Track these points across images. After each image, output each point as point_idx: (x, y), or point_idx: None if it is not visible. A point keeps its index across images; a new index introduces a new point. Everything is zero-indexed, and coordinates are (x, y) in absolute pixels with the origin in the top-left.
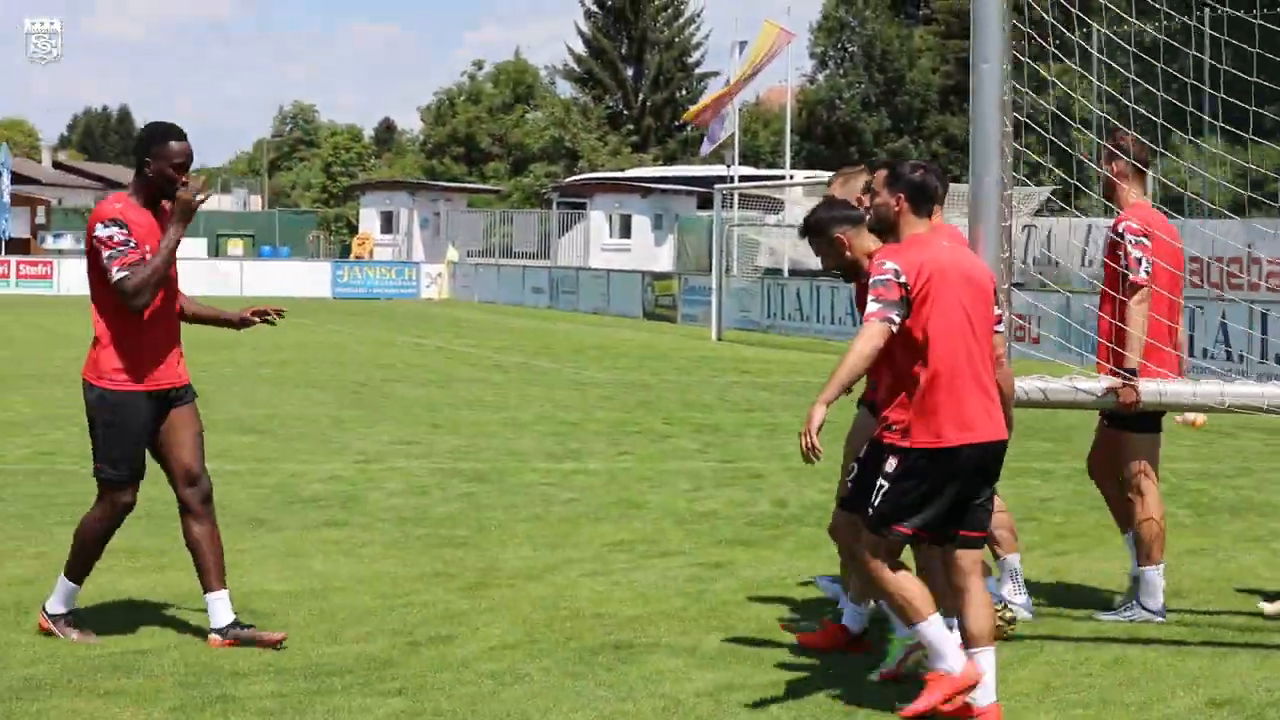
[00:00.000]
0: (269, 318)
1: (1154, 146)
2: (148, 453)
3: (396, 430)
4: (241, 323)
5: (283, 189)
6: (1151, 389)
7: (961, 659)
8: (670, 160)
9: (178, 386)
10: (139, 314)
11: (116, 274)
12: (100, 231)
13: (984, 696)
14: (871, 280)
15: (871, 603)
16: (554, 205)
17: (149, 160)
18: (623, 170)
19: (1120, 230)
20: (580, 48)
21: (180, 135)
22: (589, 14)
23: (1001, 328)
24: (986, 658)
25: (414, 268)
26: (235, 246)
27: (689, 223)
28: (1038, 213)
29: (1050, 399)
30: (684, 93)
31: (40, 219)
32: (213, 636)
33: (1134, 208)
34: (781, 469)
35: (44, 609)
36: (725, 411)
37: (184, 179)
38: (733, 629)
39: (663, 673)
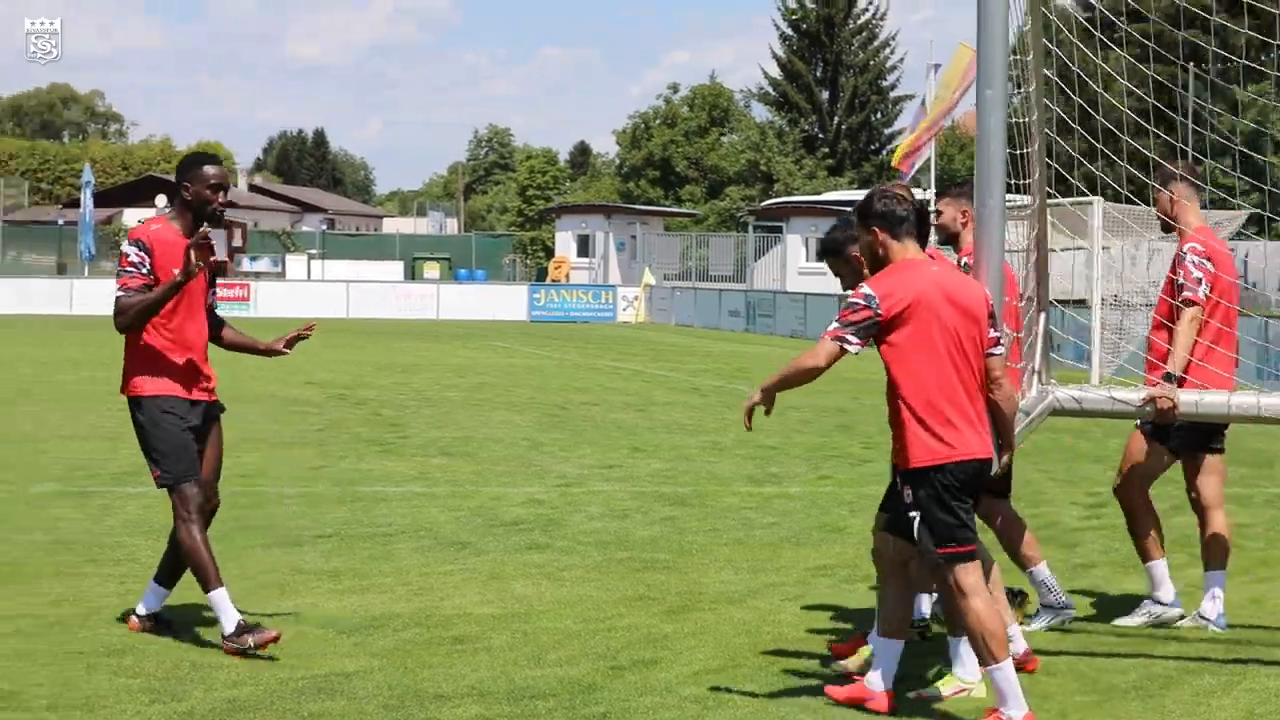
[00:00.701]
0: (302, 337)
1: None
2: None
3: (596, 454)
4: (269, 351)
5: (478, 212)
6: (1189, 399)
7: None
8: (865, 184)
9: (213, 402)
10: (122, 331)
11: (116, 290)
12: (123, 247)
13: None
14: (847, 300)
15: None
16: (750, 228)
17: (187, 185)
18: (818, 194)
19: (1184, 250)
20: (775, 71)
21: (215, 160)
22: (784, 37)
23: (1000, 349)
24: (1004, 673)
25: (610, 291)
26: (431, 270)
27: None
28: (1235, 236)
29: (1085, 408)
30: (879, 116)
31: (237, 242)
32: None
33: (1199, 230)
34: None
35: (222, 635)
36: None
37: (219, 200)
38: (937, 652)
39: None
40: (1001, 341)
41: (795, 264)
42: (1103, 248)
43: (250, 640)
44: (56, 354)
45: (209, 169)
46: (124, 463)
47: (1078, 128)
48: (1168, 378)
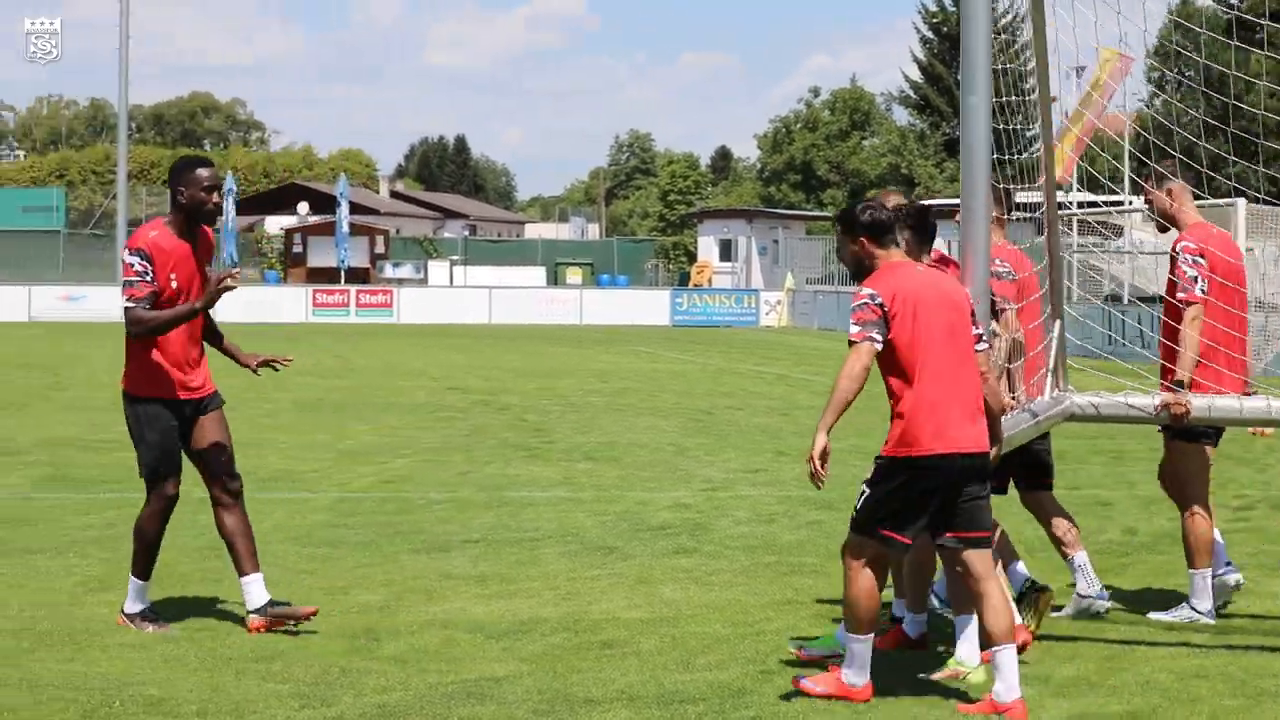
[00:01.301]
0: (275, 365)
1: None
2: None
3: (741, 458)
4: (243, 362)
5: (620, 217)
6: (1201, 404)
7: (864, 678)
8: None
9: (202, 397)
10: (135, 340)
11: (124, 301)
12: (126, 258)
13: (1008, 693)
14: (852, 305)
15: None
16: None
17: (182, 189)
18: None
19: (1177, 249)
20: (916, 74)
21: (208, 163)
22: (924, 41)
23: (984, 346)
24: (1007, 655)
25: (753, 295)
26: (574, 275)
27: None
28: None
29: (1102, 414)
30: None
31: (379, 248)
32: (251, 618)
33: (1191, 228)
34: (1129, 496)
35: (122, 610)
36: (1068, 439)
37: (214, 200)
38: (1082, 656)
39: None
40: (985, 339)
41: None
42: (1246, 249)
43: (150, 628)
44: None
45: (201, 171)
46: (270, 469)
47: (1227, 128)
48: (1178, 384)
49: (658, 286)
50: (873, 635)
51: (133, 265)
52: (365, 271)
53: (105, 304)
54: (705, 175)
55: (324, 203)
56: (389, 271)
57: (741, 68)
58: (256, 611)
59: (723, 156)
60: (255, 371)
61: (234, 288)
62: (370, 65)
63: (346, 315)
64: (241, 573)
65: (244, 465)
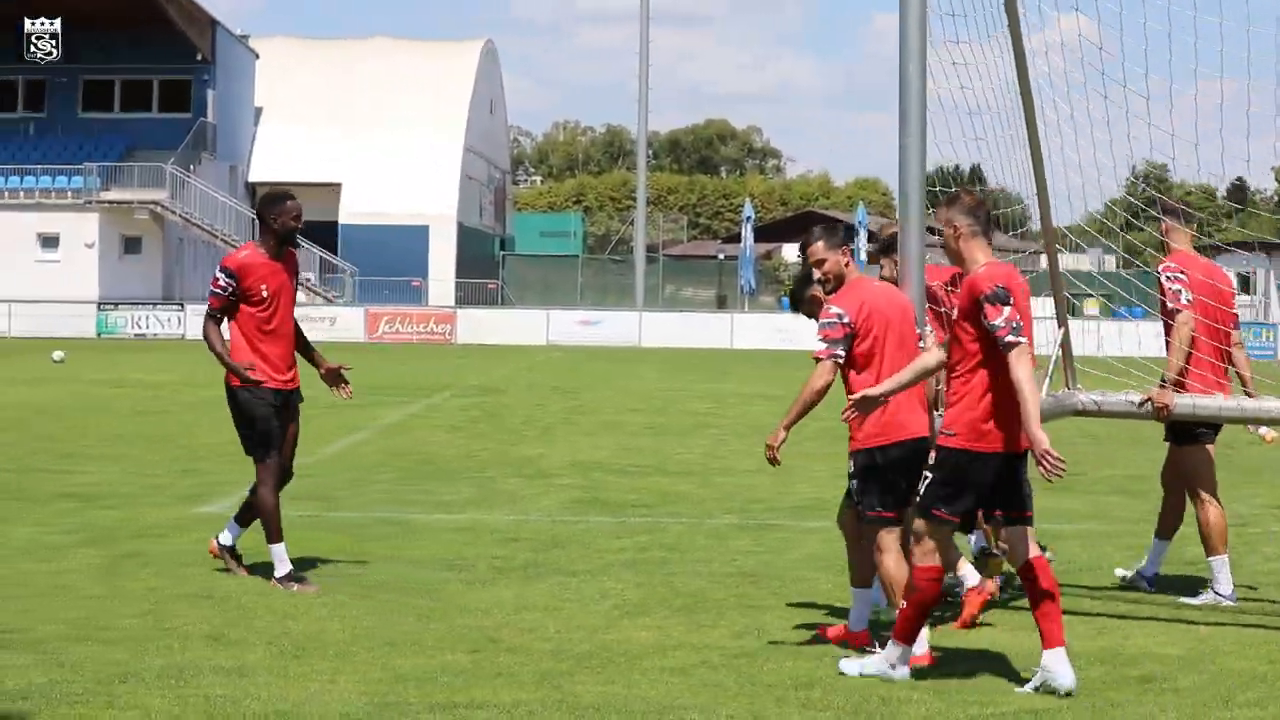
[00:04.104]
0: (337, 387)
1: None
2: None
3: (1271, 493)
4: (320, 368)
5: (1135, 248)
6: (1185, 402)
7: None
8: None
9: (292, 390)
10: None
11: (208, 305)
12: (216, 272)
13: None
14: (820, 322)
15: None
16: None
17: (274, 216)
18: None
19: (1159, 271)
20: None
21: (292, 196)
22: None
23: (923, 345)
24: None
25: (1271, 330)
26: (1090, 307)
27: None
28: None
29: (1104, 410)
30: None
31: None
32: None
33: (1173, 254)
34: None
35: (275, 576)
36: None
37: (298, 225)
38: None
39: None
40: (923, 339)
41: None
42: None
43: (295, 587)
44: (723, 388)
45: (289, 204)
46: (800, 497)
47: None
48: (1161, 380)
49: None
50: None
51: (218, 279)
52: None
53: (623, 328)
54: (1222, 207)
55: None
56: None
57: (1265, 95)
58: (279, 578)
59: (1238, 189)
60: (323, 379)
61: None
62: (882, 93)
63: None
64: (236, 525)
65: (772, 492)
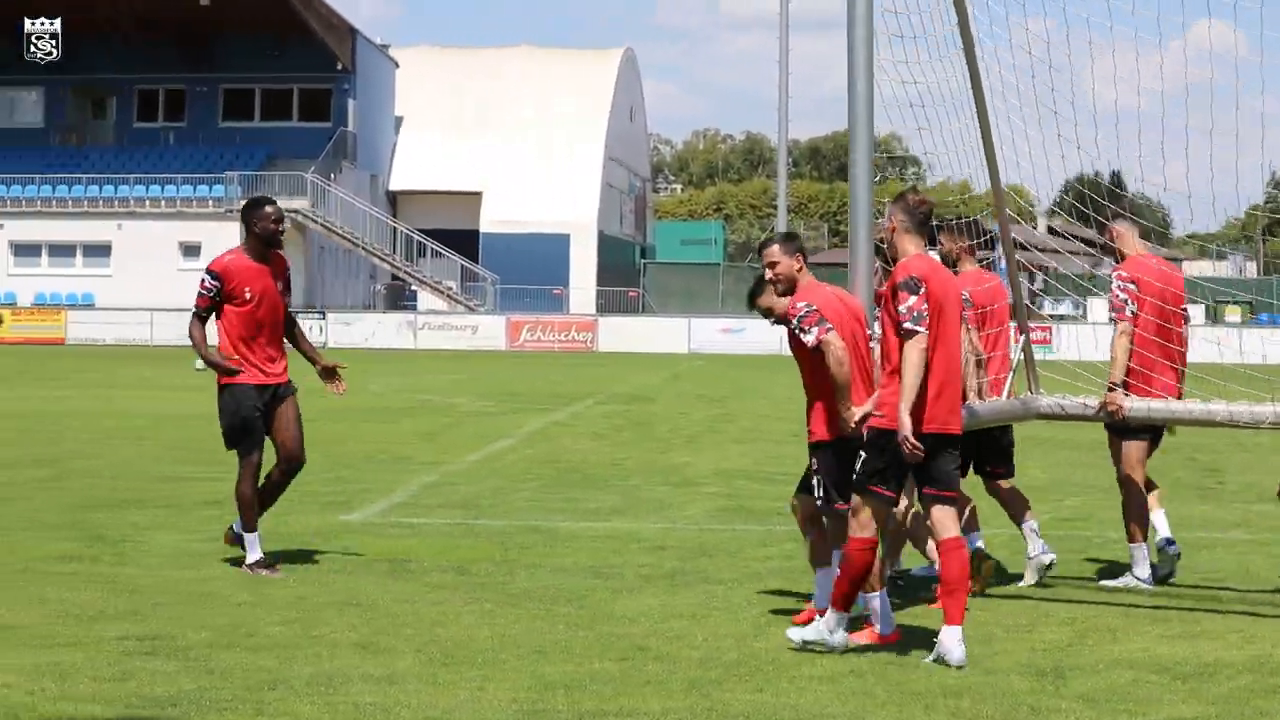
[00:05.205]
0: (331, 382)
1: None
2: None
3: None
4: (318, 365)
5: (1277, 254)
6: (1140, 405)
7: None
8: None
9: (280, 384)
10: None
11: (194, 306)
12: (202, 274)
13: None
14: (803, 313)
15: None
16: None
17: (256, 221)
18: None
19: (1111, 277)
20: None
21: (272, 201)
22: None
23: (875, 344)
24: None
25: None
26: (1232, 313)
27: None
28: None
29: (1068, 413)
30: None
31: (1038, 284)
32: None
33: (1128, 260)
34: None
35: (245, 562)
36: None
37: (280, 228)
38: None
39: None
40: (873, 338)
41: None
42: None
43: (264, 572)
44: None
45: (268, 208)
46: None
47: None
48: (1111, 387)
49: None
50: (882, 591)
51: (204, 281)
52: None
53: (764, 337)
54: None
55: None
56: (1047, 308)
57: None
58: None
59: None
60: (319, 375)
61: (238, 371)
62: (1028, 101)
63: (1047, 351)
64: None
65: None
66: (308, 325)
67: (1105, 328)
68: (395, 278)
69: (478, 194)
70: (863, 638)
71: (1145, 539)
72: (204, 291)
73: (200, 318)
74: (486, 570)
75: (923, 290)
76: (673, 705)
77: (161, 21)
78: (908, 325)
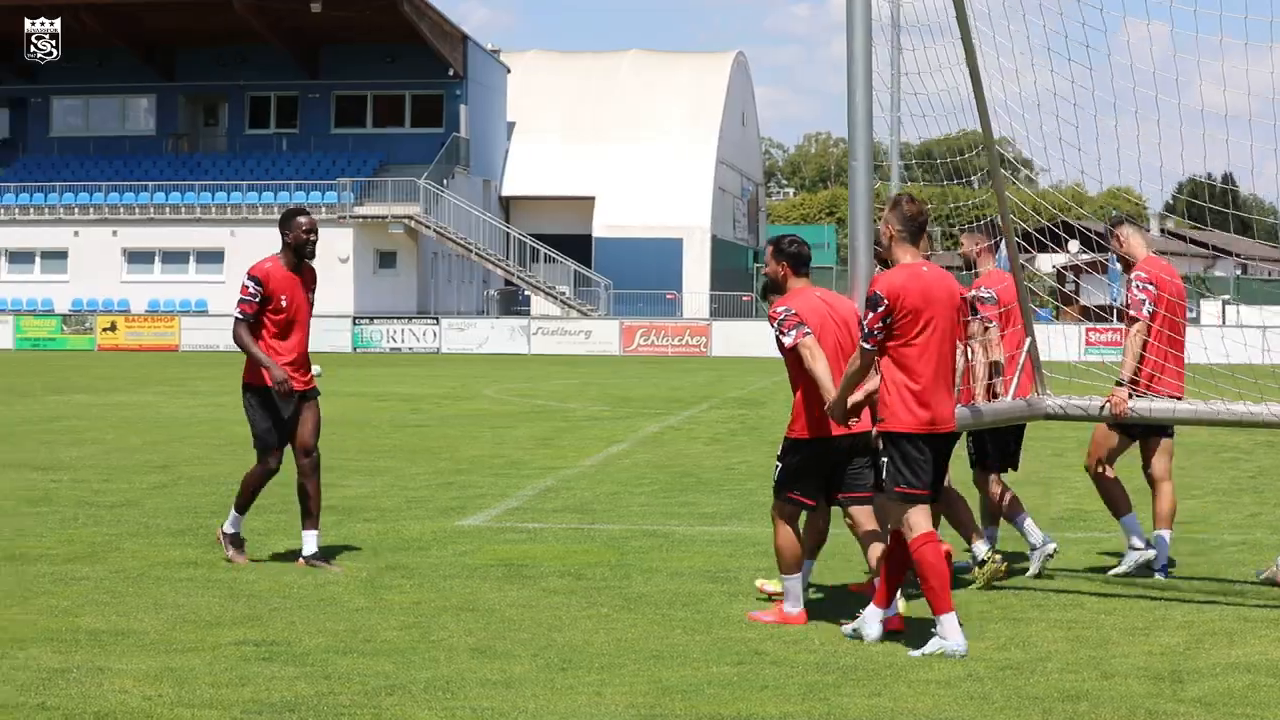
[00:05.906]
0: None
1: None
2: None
3: None
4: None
5: None
6: (1142, 405)
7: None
8: None
9: (306, 390)
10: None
11: (236, 311)
12: (244, 280)
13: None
14: (782, 317)
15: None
16: None
17: (289, 232)
18: None
19: (1131, 278)
20: None
21: (305, 212)
22: None
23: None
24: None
25: None
26: None
27: None
28: None
29: (1069, 413)
30: None
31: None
32: (300, 560)
33: (1146, 260)
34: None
35: (222, 530)
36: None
37: (312, 239)
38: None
39: None
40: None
41: None
42: None
43: (230, 550)
44: None
45: (300, 219)
46: (1059, 508)
47: None
48: (1119, 384)
49: None
50: (800, 574)
51: (247, 287)
52: (1118, 310)
53: None
54: None
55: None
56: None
57: None
58: (305, 556)
59: None
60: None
61: (288, 381)
62: (1139, 103)
63: (1110, 352)
64: (304, 525)
65: (1030, 505)
66: (422, 330)
67: (1213, 330)
68: (508, 283)
69: (590, 199)
70: (768, 616)
71: (1132, 512)
72: (248, 297)
73: (248, 323)
74: (602, 575)
75: (881, 308)
76: (790, 710)
77: (273, 29)
78: (860, 341)
